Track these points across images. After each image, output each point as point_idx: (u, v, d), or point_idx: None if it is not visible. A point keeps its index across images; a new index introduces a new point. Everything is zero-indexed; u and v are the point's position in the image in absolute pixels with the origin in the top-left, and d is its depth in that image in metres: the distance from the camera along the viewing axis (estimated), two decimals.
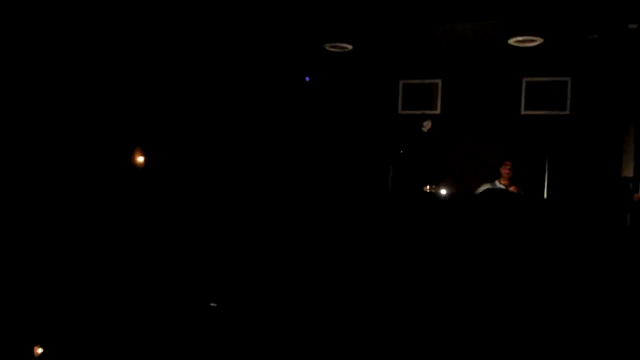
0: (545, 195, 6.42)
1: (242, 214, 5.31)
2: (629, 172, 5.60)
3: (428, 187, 6.13)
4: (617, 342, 3.62)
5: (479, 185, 6.73)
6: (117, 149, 5.86)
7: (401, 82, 7.83)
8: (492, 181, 6.65)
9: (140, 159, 6.27)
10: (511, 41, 6.24)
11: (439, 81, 7.69)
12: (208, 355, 3.76)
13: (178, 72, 6.41)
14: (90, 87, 5.36)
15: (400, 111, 7.79)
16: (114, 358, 3.57)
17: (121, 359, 3.59)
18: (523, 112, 7.28)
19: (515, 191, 6.40)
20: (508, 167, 6.55)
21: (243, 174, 6.66)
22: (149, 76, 6.10)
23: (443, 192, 6.05)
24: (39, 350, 3.30)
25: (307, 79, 7.92)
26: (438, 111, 7.64)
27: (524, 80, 7.30)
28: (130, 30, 5.71)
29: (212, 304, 4.47)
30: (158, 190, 5.89)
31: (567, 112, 7.11)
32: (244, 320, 4.31)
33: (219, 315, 4.39)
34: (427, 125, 6.97)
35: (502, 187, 6.50)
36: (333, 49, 6.95)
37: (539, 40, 6.17)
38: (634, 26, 5.38)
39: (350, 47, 6.85)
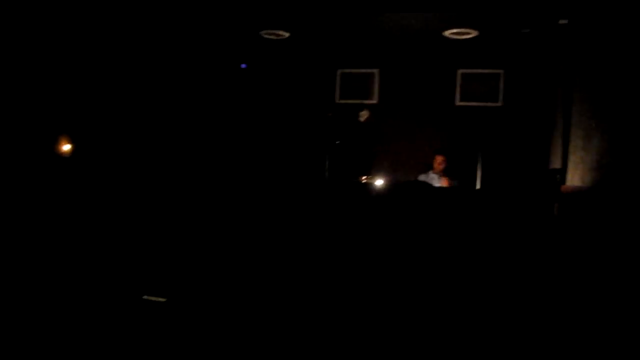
0: (478, 186, 6.55)
1: (173, 205, 5.15)
2: (557, 164, 5.77)
3: (364, 177, 6.14)
4: (543, 330, 3.72)
5: (414, 175, 6.80)
6: (42, 138, 5.58)
7: (339, 71, 7.80)
8: (426, 172, 6.73)
9: (66, 147, 6.00)
10: (447, 33, 6.30)
11: (377, 71, 7.70)
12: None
13: (109, 60, 6.15)
14: (13, 77, 5.07)
15: (337, 100, 7.76)
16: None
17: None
18: (458, 103, 7.40)
19: (446, 184, 6.51)
20: (438, 161, 6.64)
21: (176, 162, 6.47)
22: (79, 63, 5.83)
23: (379, 182, 6.07)
24: None
25: (244, 66, 7.76)
26: (375, 101, 7.66)
27: (459, 71, 7.41)
28: (56, 16, 5.42)
29: (145, 297, 4.31)
30: (85, 179, 5.64)
31: (499, 103, 7.27)
32: (172, 316, 4.18)
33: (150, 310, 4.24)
34: (364, 114, 6.97)
35: (436, 177, 6.60)
36: (270, 37, 6.82)
37: (473, 33, 6.25)
38: (564, 22, 5.51)
39: (287, 34, 6.74)
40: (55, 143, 5.89)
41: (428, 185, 6.22)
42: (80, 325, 3.76)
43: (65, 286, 4.40)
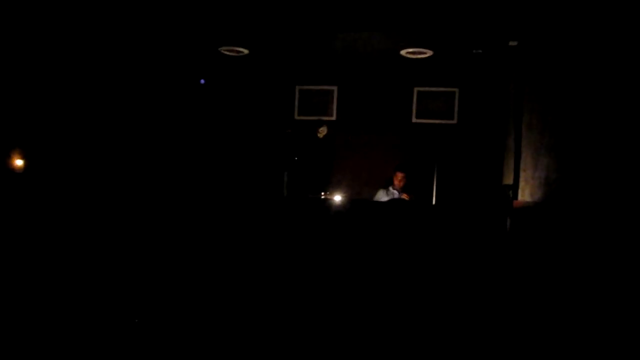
0: (434, 201, 6.68)
1: (129, 222, 5.08)
2: (509, 179, 5.94)
3: (323, 193, 6.20)
4: (495, 342, 3.81)
5: (373, 191, 6.90)
6: None
7: (297, 88, 7.86)
8: (386, 187, 6.83)
9: (18, 162, 5.86)
10: (403, 52, 6.45)
11: (335, 88, 7.80)
12: None
13: (62, 71, 6.05)
14: None
15: (296, 116, 7.82)
16: None
17: None
18: (414, 120, 7.55)
19: (406, 198, 6.62)
20: (399, 178, 6.76)
21: (130, 178, 6.39)
22: (32, 75, 5.72)
23: (337, 198, 6.13)
24: None
25: (202, 81, 7.75)
26: (334, 117, 7.75)
27: (415, 89, 7.57)
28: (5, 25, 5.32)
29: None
30: (39, 195, 5.51)
31: (454, 121, 7.45)
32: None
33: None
34: (322, 131, 7.05)
35: (396, 192, 6.70)
36: (229, 53, 6.84)
37: (428, 53, 6.42)
38: (514, 43, 5.72)
39: (246, 51, 6.78)
40: (7, 157, 5.76)
41: (398, 200, 6.33)
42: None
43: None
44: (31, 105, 5.76)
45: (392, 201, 6.49)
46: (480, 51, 6.19)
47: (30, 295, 4.45)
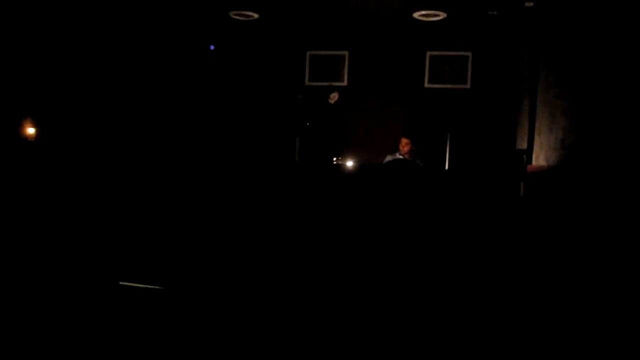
0: (446, 167, 6.64)
1: (142, 188, 5.09)
2: (523, 144, 5.88)
3: (335, 159, 6.17)
4: (508, 310, 3.81)
5: (384, 157, 6.85)
6: (6, 121, 5.45)
7: (308, 53, 7.76)
8: (393, 153, 6.79)
9: (30, 131, 5.87)
10: (416, 15, 6.33)
11: (346, 53, 7.70)
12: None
13: (73, 40, 6.01)
14: None
15: (307, 82, 7.74)
16: None
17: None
18: (427, 85, 7.45)
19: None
20: (403, 144, 6.69)
21: (143, 145, 6.39)
22: (44, 44, 5.68)
23: (349, 163, 6.10)
24: None
25: (212, 47, 7.67)
26: (345, 83, 7.66)
27: (428, 54, 7.45)
28: None
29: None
30: (50, 163, 5.53)
31: (467, 86, 7.35)
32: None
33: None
34: (333, 97, 6.97)
35: (402, 158, 6.65)
36: (239, 17, 6.75)
37: (442, 15, 6.30)
38: (530, 4, 5.59)
39: (256, 15, 6.68)
40: (20, 126, 5.76)
41: (407, 161, 6.27)
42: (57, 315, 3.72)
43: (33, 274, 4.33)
44: (42, 73, 5.74)
45: (394, 161, 6.44)
46: (495, 12, 6.05)
47: (40, 263, 4.49)
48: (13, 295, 3.91)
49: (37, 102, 5.78)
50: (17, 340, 3.22)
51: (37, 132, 5.90)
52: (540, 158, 5.07)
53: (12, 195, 5.00)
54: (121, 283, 4.30)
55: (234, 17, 6.72)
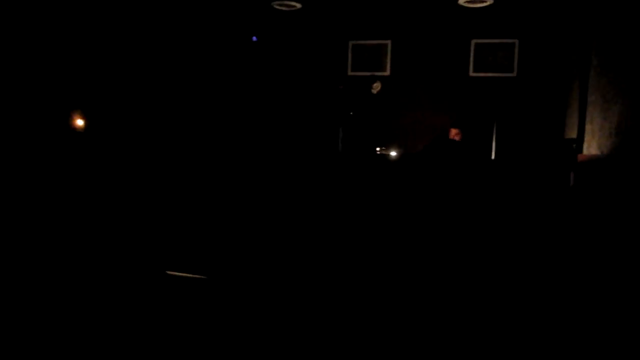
0: (493, 156, 6.51)
1: (188, 180, 5.14)
2: (572, 133, 5.71)
3: (378, 148, 6.12)
4: (557, 303, 3.71)
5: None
6: (56, 112, 5.58)
7: (350, 43, 7.71)
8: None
9: (80, 122, 6.00)
10: (462, 1, 6.20)
11: (389, 42, 7.61)
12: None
13: (121, 34, 6.11)
14: (29, 53, 5.04)
15: (349, 72, 7.70)
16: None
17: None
18: (472, 73, 7.31)
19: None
20: (452, 134, 6.60)
21: (189, 136, 6.46)
22: (93, 38, 5.80)
23: (393, 153, 6.04)
24: None
25: (255, 39, 7.69)
26: (387, 72, 7.58)
27: (473, 42, 7.31)
28: None
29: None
30: (99, 155, 5.64)
31: (514, 74, 7.18)
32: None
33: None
34: (376, 86, 6.91)
35: None
36: (281, 7, 6.74)
37: (489, 1, 6.15)
38: None
39: (299, 5, 6.66)
40: (69, 118, 5.90)
41: (453, 142, 6.17)
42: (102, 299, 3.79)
43: (84, 262, 4.42)
44: (91, 68, 5.85)
45: (437, 139, 6.34)
46: None
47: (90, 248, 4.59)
48: (65, 282, 4.00)
49: (86, 95, 5.91)
50: (66, 327, 3.29)
51: (86, 124, 6.03)
52: (592, 146, 4.91)
53: (63, 185, 5.13)
54: (168, 272, 4.36)
55: (277, 7, 6.72)
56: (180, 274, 4.31)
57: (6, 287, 3.80)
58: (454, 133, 6.61)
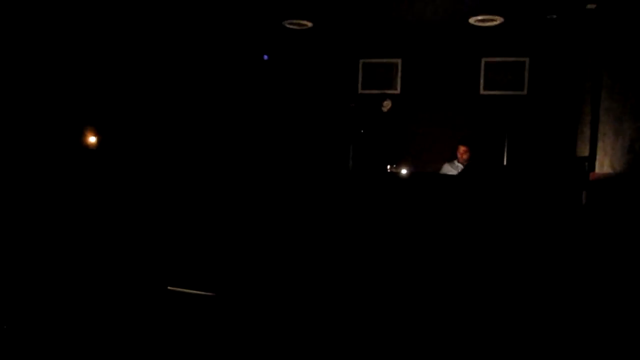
0: (504, 175, 6.48)
1: (197, 196, 5.16)
2: (585, 151, 5.68)
3: (389, 166, 6.11)
4: (567, 323, 3.67)
5: (440, 165, 6.76)
6: (68, 129, 5.63)
7: (361, 61, 7.75)
8: (451, 161, 6.68)
9: (92, 139, 6.05)
10: (472, 20, 6.23)
11: (399, 60, 7.65)
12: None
13: (133, 51, 6.18)
14: (40, 68, 5.11)
15: (360, 90, 7.73)
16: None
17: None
18: (482, 92, 7.32)
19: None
20: (461, 152, 6.59)
21: (199, 154, 6.49)
22: (103, 55, 5.87)
23: (404, 171, 6.03)
24: None
25: (266, 57, 7.75)
26: (398, 91, 7.61)
27: (483, 60, 7.32)
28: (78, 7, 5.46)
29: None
30: (111, 171, 5.68)
31: (524, 92, 7.18)
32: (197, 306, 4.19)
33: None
34: (387, 105, 6.93)
35: (461, 167, 6.54)
36: (292, 26, 6.80)
37: (499, 20, 6.17)
38: (592, 6, 5.42)
39: (310, 24, 6.71)
40: (82, 135, 5.95)
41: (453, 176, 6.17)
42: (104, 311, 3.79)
43: (89, 275, 4.44)
44: (103, 85, 5.91)
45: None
46: (555, 16, 5.88)
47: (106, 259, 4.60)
48: (67, 295, 4.01)
49: (98, 111, 5.96)
50: (66, 339, 3.29)
51: (98, 140, 6.07)
52: (604, 165, 4.88)
53: (73, 200, 5.16)
54: (169, 288, 4.36)
55: (288, 26, 6.78)
56: (182, 289, 4.31)
57: (11, 300, 3.81)
58: (462, 150, 6.60)
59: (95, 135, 6.04)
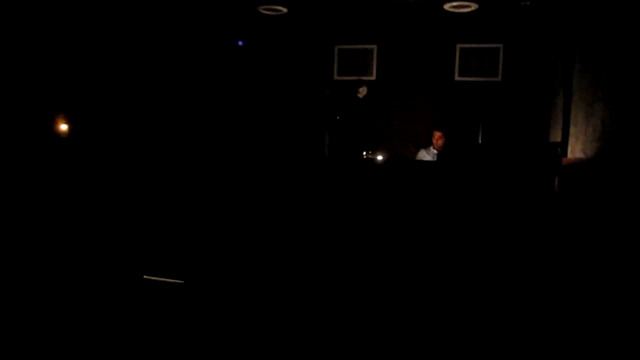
0: (477, 161, 6.53)
1: (170, 184, 5.11)
2: (557, 137, 5.76)
3: (365, 153, 6.12)
4: (539, 311, 3.73)
5: (415, 151, 6.79)
6: (39, 117, 5.52)
7: (337, 48, 7.73)
8: (427, 147, 6.71)
9: (63, 127, 5.94)
10: (447, 6, 6.24)
11: (375, 47, 7.64)
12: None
13: (104, 37, 6.07)
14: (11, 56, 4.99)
15: (335, 77, 7.71)
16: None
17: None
18: (457, 78, 7.35)
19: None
20: (436, 137, 6.62)
21: (175, 139, 6.42)
22: (76, 41, 5.75)
23: (379, 157, 6.04)
24: None
25: (241, 43, 7.68)
26: (373, 77, 7.61)
27: (458, 46, 7.36)
28: None
29: None
30: (83, 160, 5.59)
31: (498, 78, 7.23)
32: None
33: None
34: (362, 91, 6.92)
35: (436, 152, 6.58)
36: (267, 12, 6.74)
37: (473, 6, 6.20)
38: None
39: (285, 10, 6.66)
40: (53, 123, 5.84)
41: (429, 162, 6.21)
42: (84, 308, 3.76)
43: (67, 267, 4.38)
44: (74, 72, 5.80)
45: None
46: (528, 3, 5.92)
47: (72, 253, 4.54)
48: (40, 289, 3.96)
49: (69, 99, 5.86)
50: (40, 334, 3.25)
51: (69, 128, 5.97)
52: (576, 150, 4.95)
53: (44, 190, 5.07)
54: (145, 277, 4.33)
55: (263, 11, 6.72)
56: (158, 278, 4.29)
57: None
58: (437, 136, 6.64)
59: (67, 123, 5.94)
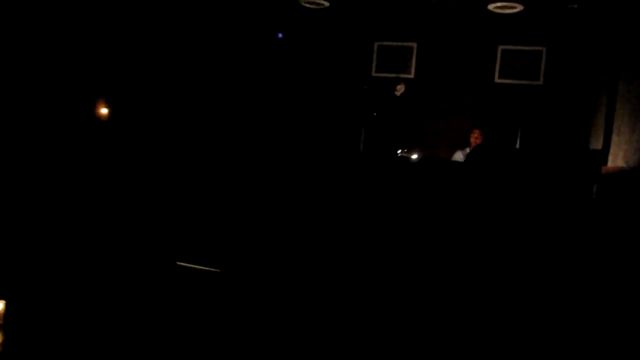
0: (516, 165, 6.44)
1: (209, 175, 5.16)
2: (598, 144, 5.64)
3: (400, 151, 6.08)
4: (579, 313, 3.67)
5: (451, 151, 6.73)
6: (80, 101, 5.64)
7: (376, 44, 7.69)
8: (463, 148, 6.64)
9: (104, 111, 6.05)
10: (491, 7, 6.15)
11: (415, 44, 7.58)
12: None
13: (147, 25, 6.15)
14: (52, 40, 5.11)
15: (374, 73, 7.67)
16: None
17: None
18: (497, 79, 7.25)
19: None
20: (475, 135, 6.55)
21: (212, 132, 6.48)
22: (117, 28, 5.85)
23: (414, 156, 6.00)
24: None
25: (280, 35, 7.70)
26: (412, 75, 7.55)
27: (500, 48, 7.24)
28: None
29: None
30: (123, 143, 5.69)
31: (540, 82, 7.11)
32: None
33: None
34: (400, 89, 6.88)
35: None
36: (309, 5, 6.74)
37: (519, 7, 6.10)
38: None
39: (327, 4, 6.66)
40: (94, 106, 5.95)
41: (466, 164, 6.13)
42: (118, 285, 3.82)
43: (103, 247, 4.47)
44: (115, 57, 5.90)
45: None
46: (576, 6, 5.80)
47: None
48: (79, 271, 4.04)
49: (110, 84, 5.96)
50: (78, 317, 3.32)
51: (109, 112, 6.08)
52: (618, 159, 4.84)
53: (85, 172, 5.18)
54: (178, 263, 4.39)
55: (305, 5, 6.72)
56: (190, 265, 4.34)
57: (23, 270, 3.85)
58: (476, 134, 6.56)
59: (107, 108, 6.05)
